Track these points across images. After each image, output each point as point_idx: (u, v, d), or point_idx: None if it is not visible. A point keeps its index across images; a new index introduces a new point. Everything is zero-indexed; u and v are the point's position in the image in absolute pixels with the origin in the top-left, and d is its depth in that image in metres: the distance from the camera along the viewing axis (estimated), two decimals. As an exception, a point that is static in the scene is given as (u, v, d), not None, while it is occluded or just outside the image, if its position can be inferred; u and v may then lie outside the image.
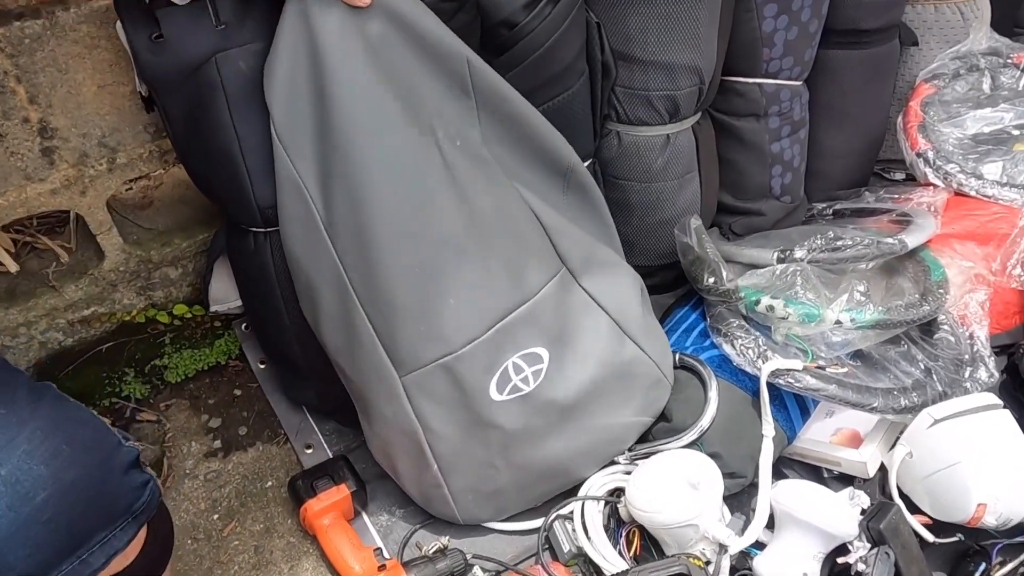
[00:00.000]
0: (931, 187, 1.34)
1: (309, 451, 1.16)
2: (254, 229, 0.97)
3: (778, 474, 1.09)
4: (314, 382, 1.12)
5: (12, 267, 1.13)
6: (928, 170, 1.36)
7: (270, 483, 1.14)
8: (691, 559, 0.95)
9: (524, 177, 1.02)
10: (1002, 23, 1.59)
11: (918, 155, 1.37)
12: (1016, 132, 1.38)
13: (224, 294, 1.16)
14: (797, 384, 1.03)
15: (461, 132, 0.94)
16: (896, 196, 1.36)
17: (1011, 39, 1.53)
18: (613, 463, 1.09)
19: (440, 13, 0.93)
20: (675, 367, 1.12)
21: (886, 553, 0.92)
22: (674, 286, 1.35)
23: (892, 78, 1.44)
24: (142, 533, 0.69)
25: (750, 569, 0.98)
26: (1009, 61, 1.45)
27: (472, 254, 0.92)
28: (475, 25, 1.00)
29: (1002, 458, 0.97)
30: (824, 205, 1.45)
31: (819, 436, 1.12)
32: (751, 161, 1.34)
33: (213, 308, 1.18)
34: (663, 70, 1.13)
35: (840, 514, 0.96)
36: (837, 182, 1.47)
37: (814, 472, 1.12)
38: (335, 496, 1.04)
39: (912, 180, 1.46)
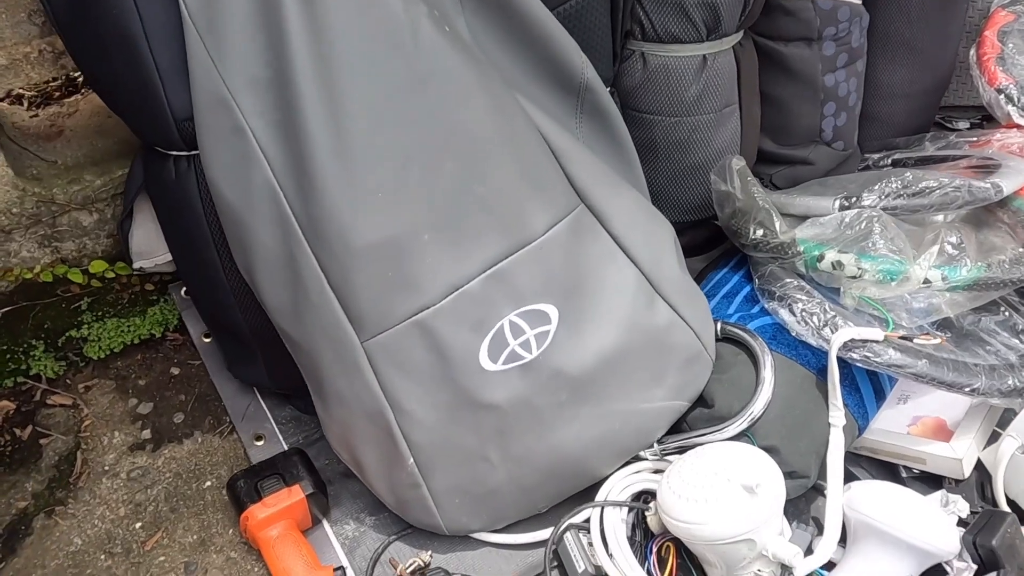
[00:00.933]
0: (1015, 128, 1.12)
1: (259, 443, 0.94)
2: (174, 152, 0.75)
3: (846, 474, 0.87)
4: (262, 355, 0.90)
5: None
6: (1011, 108, 1.13)
7: (209, 483, 0.92)
8: (749, 588, 0.73)
9: (528, 90, 0.80)
10: (1082, -51, 1.37)
11: (998, 91, 1.15)
12: (1114, 64, 1.15)
13: (150, 246, 0.93)
14: (877, 359, 0.81)
15: (448, 17, 0.72)
16: (973, 139, 1.15)
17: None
18: (638, 459, 0.87)
19: None
20: (716, 339, 0.89)
21: (1007, 578, 0.70)
22: (707, 247, 1.14)
23: (964, 3, 1.22)
24: None
25: (818, 596, 0.77)
26: (1100, -15, 1.23)
27: (455, 176, 0.70)
28: None
29: None
30: (880, 155, 1.24)
31: (894, 427, 0.91)
32: (800, 97, 1.12)
33: (137, 264, 0.95)
34: (702, -32, 0.91)
35: (935, 525, 0.75)
36: (896, 128, 1.26)
37: (889, 471, 0.91)
38: (286, 500, 0.82)
39: (979, 128, 1.25)
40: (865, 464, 0.92)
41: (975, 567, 0.74)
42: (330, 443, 0.86)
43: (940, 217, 0.98)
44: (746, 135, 1.09)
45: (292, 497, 0.82)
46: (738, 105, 1.05)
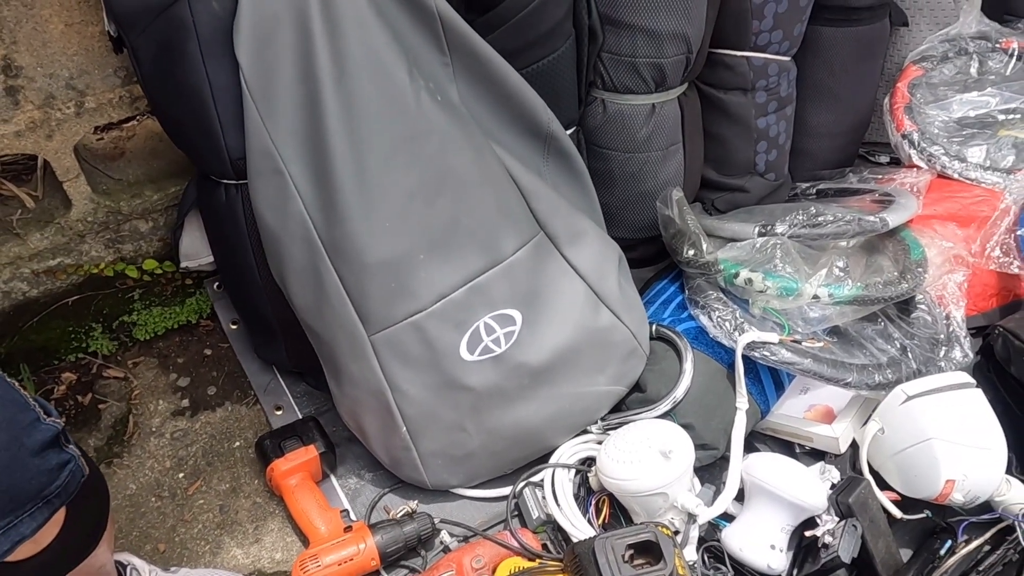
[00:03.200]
0: (915, 168, 1.34)
1: (279, 412, 1.15)
2: (225, 181, 0.95)
3: (751, 448, 1.09)
4: (285, 341, 1.10)
5: (-25, 213, 1.10)
6: (912, 151, 1.35)
7: (238, 443, 1.12)
8: (659, 527, 0.94)
9: (502, 139, 1.00)
10: (993, 8, 1.58)
11: (903, 136, 1.37)
12: (1002, 117, 1.37)
13: (195, 250, 1.13)
14: (773, 357, 1.02)
15: (441, 87, 0.92)
16: (880, 177, 1.36)
17: (1001, 24, 1.53)
18: (586, 432, 1.09)
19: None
20: (651, 338, 1.11)
21: (853, 526, 0.92)
22: (656, 260, 1.34)
23: (881, 58, 1.43)
24: (59, 516, 0.64)
25: (719, 541, 0.98)
26: (998, 46, 1.44)
27: (446, 210, 0.90)
28: (458, -21, 0.97)
29: (972, 436, 0.96)
30: (808, 184, 1.44)
31: (793, 412, 1.12)
32: (736, 136, 1.33)
33: (184, 264, 1.15)
34: (650, 36, 1.11)
35: (809, 487, 0.96)
36: (822, 161, 1.46)
37: (787, 447, 1.12)
38: (303, 457, 1.03)
39: (896, 163, 1.46)
40: (769, 442, 1.13)
41: (836, 519, 0.96)
42: (340, 414, 1.06)
43: (845, 242, 1.19)
44: (690, 167, 1.30)
45: (308, 454, 1.03)
46: (682, 143, 1.26)
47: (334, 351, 0.96)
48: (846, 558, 0.90)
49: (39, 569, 0.65)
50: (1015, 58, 1.43)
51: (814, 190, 1.43)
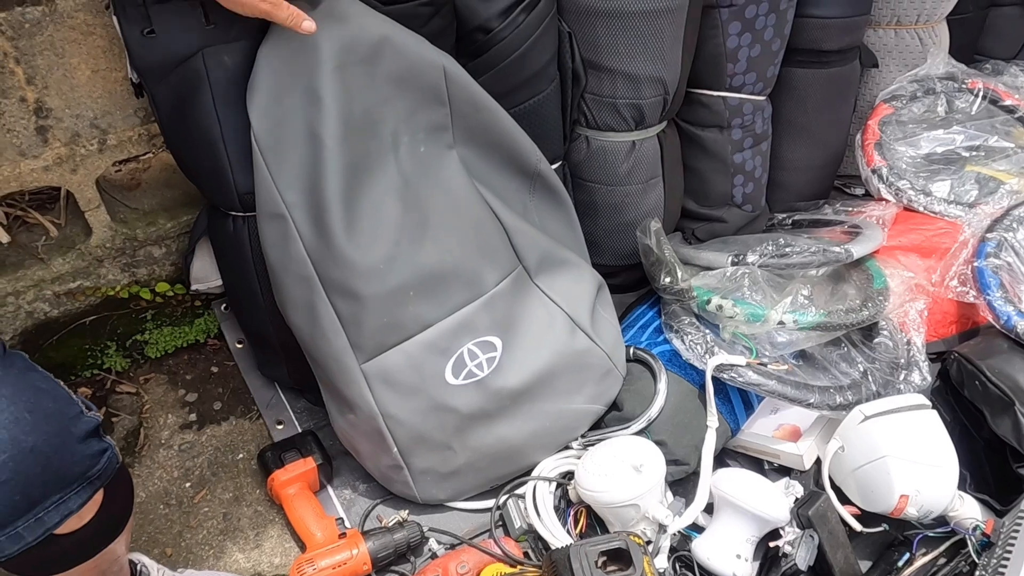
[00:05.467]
0: (883, 202, 1.42)
1: (280, 427, 1.22)
2: (233, 213, 1.03)
3: (722, 464, 1.16)
4: (286, 361, 1.18)
5: (4, 238, 1.19)
6: (881, 186, 1.43)
7: (241, 455, 1.20)
8: (632, 536, 1.01)
9: (490, 180, 1.08)
10: (962, 50, 1.67)
11: (873, 171, 1.45)
12: (966, 154, 1.46)
13: (205, 273, 1.21)
14: (740, 379, 1.10)
15: (429, 138, 1.01)
16: (851, 209, 1.44)
17: (969, 65, 1.62)
18: (568, 448, 1.16)
19: (416, 18, 1.00)
20: (628, 360, 1.19)
21: (811, 536, 0.98)
22: (637, 286, 1.42)
23: (852, 97, 1.51)
24: (98, 496, 0.73)
25: (689, 551, 1.05)
26: (964, 86, 1.53)
27: (432, 251, 0.99)
28: (451, 29, 1.07)
29: (925, 454, 1.03)
30: (784, 215, 1.52)
31: (762, 431, 1.19)
32: (714, 170, 1.41)
33: (194, 287, 1.24)
34: (629, 80, 1.20)
35: (773, 500, 1.02)
36: (798, 194, 1.54)
37: (756, 464, 1.18)
38: (301, 468, 1.10)
39: (870, 196, 1.54)
40: (740, 458, 1.20)
41: (799, 531, 1.02)
42: (336, 433, 1.14)
43: (812, 271, 1.27)
44: (670, 199, 1.38)
45: (306, 466, 1.10)
46: (661, 177, 1.34)
47: (329, 376, 1.04)
48: (803, 566, 0.96)
49: (77, 544, 0.74)
50: (980, 98, 1.52)
51: (790, 220, 1.51)
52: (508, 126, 1.08)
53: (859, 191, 1.65)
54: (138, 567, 0.93)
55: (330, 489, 1.15)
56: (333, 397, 1.07)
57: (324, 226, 0.94)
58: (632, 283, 1.42)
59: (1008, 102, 1.50)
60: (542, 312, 1.09)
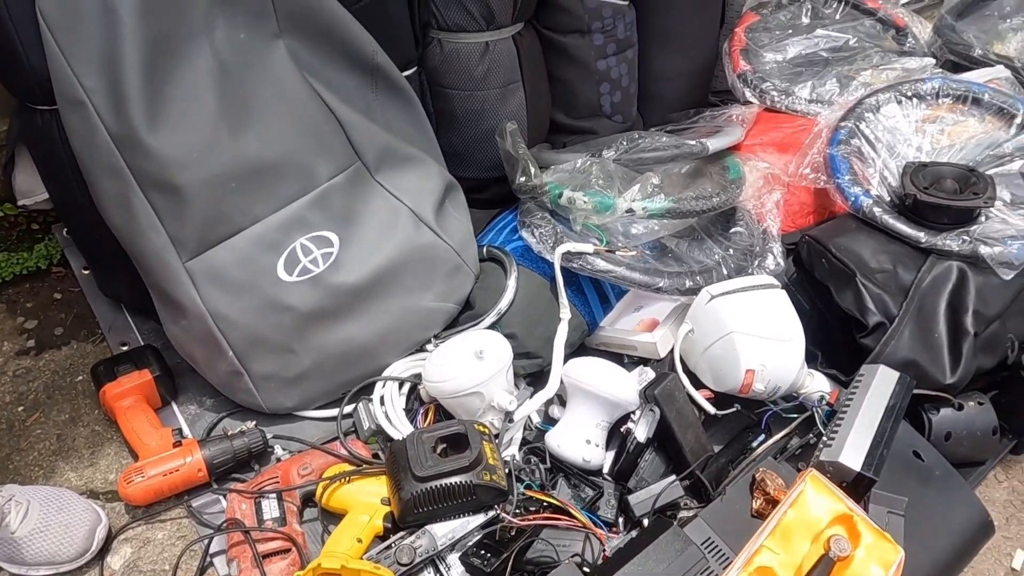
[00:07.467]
0: (749, 104, 1.42)
1: (124, 348, 1.16)
2: (39, 107, 0.97)
3: (584, 361, 1.14)
4: (123, 274, 1.12)
5: None
6: (746, 89, 1.43)
7: (80, 378, 1.14)
8: (477, 425, 0.98)
9: (324, 74, 1.04)
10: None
11: (739, 76, 1.45)
12: (828, 56, 1.46)
13: (30, 186, 1.14)
14: (589, 267, 1.08)
15: (250, 23, 0.96)
16: (719, 114, 1.43)
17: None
18: (423, 350, 1.13)
19: None
20: (482, 259, 1.16)
21: (651, 410, 0.97)
22: (506, 202, 1.38)
23: (719, 4, 1.51)
24: None
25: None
26: (828, -8, 1.54)
27: (253, 142, 0.94)
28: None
29: (770, 329, 1.03)
30: (657, 128, 1.50)
31: (624, 326, 1.18)
32: (579, 78, 1.39)
33: (21, 202, 1.16)
34: (473, -27, 1.17)
35: (620, 383, 1.01)
36: (671, 105, 1.53)
37: (617, 359, 1.16)
38: (136, 380, 1.05)
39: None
40: (601, 355, 1.17)
41: (654, 409, 1.01)
42: (172, 344, 1.08)
43: (676, 166, 1.26)
44: (533, 107, 1.35)
45: (141, 378, 1.05)
46: (521, 83, 1.31)
47: (155, 279, 0.98)
48: (641, 437, 0.95)
49: None
50: (843, 3, 1.53)
51: (663, 132, 1.50)
52: (339, 14, 1.04)
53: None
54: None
55: (174, 405, 1.10)
56: (163, 303, 1.02)
57: (125, 113, 0.88)
58: (501, 198, 1.38)
59: (869, 5, 1.51)
60: (384, 207, 1.05)
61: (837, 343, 1.12)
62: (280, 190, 0.98)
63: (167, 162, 0.91)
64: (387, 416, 1.04)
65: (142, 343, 1.17)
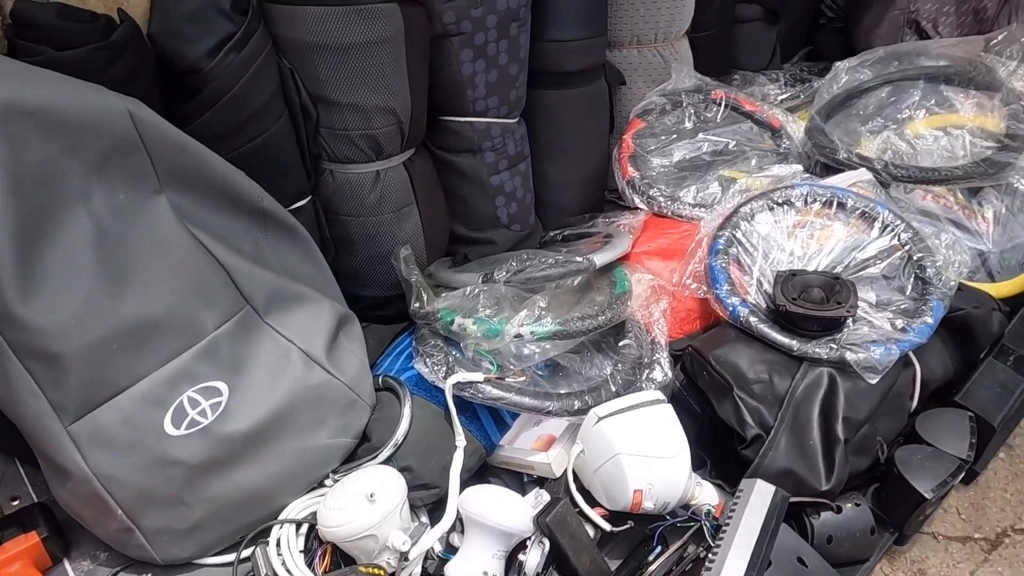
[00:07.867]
0: (637, 211, 1.48)
1: (15, 503, 1.14)
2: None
3: (484, 483, 1.15)
4: (12, 427, 1.10)
5: None
6: (635, 195, 1.50)
7: (-33, 540, 1.10)
8: (373, 569, 0.99)
9: (208, 222, 1.05)
10: (716, 64, 1.80)
11: (628, 183, 1.52)
12: (710, 159, 1.55)
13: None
14: (480, 395, 1.11)
15: (129, 185, 0.97)
16: (613, 220, 1.50)
17: (723, 78, 1.73)
18: (322, 486, 1.13)
19: (92, 63, 0.97)
20: (378, 389, 1.18)
21: (540, 542, 0.99)
22: (407, 316, 1.42)
23: (605, 114, 1.58)
24: None
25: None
26: (709, 97, 1.63)
27: (135, 301, 0.95)
28: (143, 74, 1.05)
29: (655, 448, 1.06)
30: (556, 231, 1.57)
31: (523, 445, 1.20)
32: (474, 193, 1.44)
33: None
34: (357, 111, 1.21)
35: (512, 512, 1.03)
36: (568, 209, 1.60)
37: (517, 478, 1.19)
38: (22, 544, 1.02)
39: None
40: (503, 475, 1.20)
41: (545, 539, 1.03)
42: (59, 503, 1.06)
43: (567, 283, 1.31)
44: (429, 226, 1.39)
45: (28, 541, 1.02)
46: (416, 204, 1.36)
47: (37, 444, 0.97)
48: (530, 572, 0.97)
49: None
50: (723, 107, 1.62)
51: (561, 236, 1.55)
52: (220, 166, 1.06)
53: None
54: None
55: (67, 563, 1.07)
56: (47, 466, 1.01)
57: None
58: (403, 314, 1.41)
59: (747, 108, 1.61)
60: (273, 349, 1.07)
61: (725, 448, 1.17)
62: (164, 345, 0.99)
63: (43, 333, 0.91)
64: (284, 564, 1.04)
65: (33, 497, 1.15)
